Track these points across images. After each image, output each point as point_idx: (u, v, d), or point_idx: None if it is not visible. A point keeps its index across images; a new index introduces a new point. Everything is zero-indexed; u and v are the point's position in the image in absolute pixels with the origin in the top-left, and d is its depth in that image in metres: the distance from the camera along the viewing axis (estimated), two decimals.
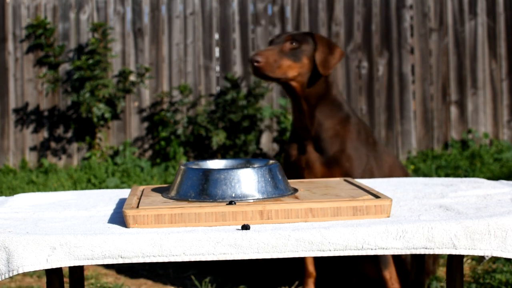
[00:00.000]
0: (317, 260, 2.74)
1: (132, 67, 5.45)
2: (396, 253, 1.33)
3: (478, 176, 4.52)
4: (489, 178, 4.39)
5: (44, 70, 5.43)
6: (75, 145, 5.43)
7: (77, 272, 1.82)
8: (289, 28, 5.51)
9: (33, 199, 1.79)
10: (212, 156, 5.36)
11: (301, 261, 2.80)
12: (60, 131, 5.44)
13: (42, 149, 5.43)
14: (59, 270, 1.44)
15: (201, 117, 5.25)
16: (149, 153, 5.44)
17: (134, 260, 1.30)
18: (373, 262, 2.65)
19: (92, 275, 3.12)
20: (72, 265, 1.30)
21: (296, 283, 2.93)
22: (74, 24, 5.47)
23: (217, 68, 5.51)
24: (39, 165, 5.39)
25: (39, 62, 5.45)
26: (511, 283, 2.76)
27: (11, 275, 1.29)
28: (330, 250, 1.31)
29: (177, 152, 5.21)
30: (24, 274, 3.16)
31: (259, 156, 5.37)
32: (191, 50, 5.48)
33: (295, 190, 1.59)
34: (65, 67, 5.44)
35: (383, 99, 5.51)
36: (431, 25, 5.56)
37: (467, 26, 5.57)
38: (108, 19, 5.47)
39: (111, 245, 1.29)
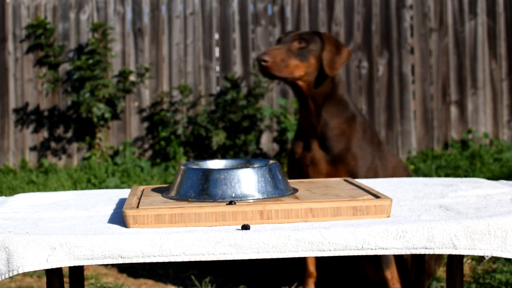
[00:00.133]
0: (317, 260, 2.74)
1: (132, 67, 5.45)
2: (396, 253, 1.33)
3: (478, 176, 4.52)
4: (489, 178, 4.39)
5: (44, 70, 5.43)
6: (75, 145, 5.43)
7: (77, 272, 1.83)
8: (289, 28, 5.51)
9: (33, 199, 1.79)
10: (212, 156, 5.36)
11: (301, 261, 2.80)
12: (60, 131, 5.44)
13: (42, 149, 5.43)
14: (59, 270, 1.44)
15: (201, 117, 5.25)
16: (149, 153, 5.44)
17: (134, 260, 1.30)
18: (373, 263, 2.65)
19: (92, 275, 3.12)
20: (72, 265, 1.30)
21: (296, 283, 2.92)
22: (74, 24, 5.47)
23: (217, 68, 5.51)
24: (39, 165, 5.39)
25: (39, 62, 5.45)
26: (511, 283, 2.76)
27: (11, 275, 1.29)
28: (330, 250, 1.31)
29: (177, 152, 5.21)
30: (24, 274, 3.16)
31: (259, 156, 5.37)
32: (191, 50, 5.48)
33: (295, 190, 1.59)
34: (65, 67, 5.44)
35: (383, 99, 5.51)
36: (431, 25, 5.56)
37: (467, 26, 5.57)
38: (108, 19, 5.47)
39: (111, 245, 1.29)
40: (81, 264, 1.31)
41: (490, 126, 5.56)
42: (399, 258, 2.62)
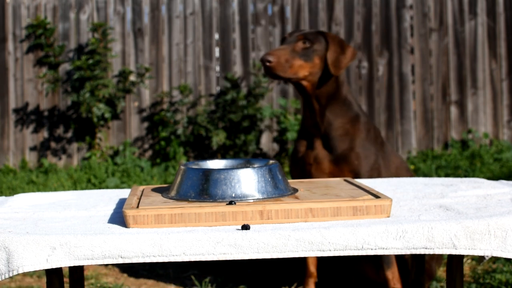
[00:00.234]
0: (317, 260, 2.74)
1: (132, 67, 5.45)
2: (396, 253, 1.33)
3: (478, 176, 4.52)
4: (489, 178, 4.39)
5: (44, 70, 5.43)
6: (75, 145, 5.43)
7: (77, 272, 1.82)
8: (289, 28, 5.51)
9: (33, 199, 1.79)
10: (212, 156, 5.36)
11: (301, 261, 2.80)
12: (60, 131, 5.44)
13: (42, 149, 5.43)
14: (59, 270, 1.44)
15: (201, 117, 5.25)
16: (149, 153, 5.44)
17: (134, 260, 1.30)
18: (373, 263, 2.65)
19: (92, 275, 3.12)
20: (72, 265, 1.30)
21: (296, 283, 2.92)
22: (74, 24, 5.47)
23: (217, 68, 5.51)
24: (39, 165, 5.39)
25: (39, 62, 5.45)
26: (511, 283, 2.76)
27: (11, 275, 1.29)
28: (330, 250, 1.31)
29: (177, 152, 5.21)
30: (24, 274, 3.16)
31: (259, 156, 5.37)
32: (191, 50, 5.48)
33: (295, 190, 1.59)
34: (65, 67, 5.44)
35: (383, 99, 5.51)
36: (431, 25, 5.56)
37: (467, 26, 5.57)
38: (108, 19, 5.47)
39: (111, 245, 1.29)
40: (81, 264, 1.31)
41: (490, 126, 5.56)
42: (400, 258, 2.62)
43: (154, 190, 1.67)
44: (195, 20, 5.50)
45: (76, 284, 1.82)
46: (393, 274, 2.53)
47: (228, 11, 5.51)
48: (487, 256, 1.58)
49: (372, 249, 1.32)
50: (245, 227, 1.34)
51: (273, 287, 2.94)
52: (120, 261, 1.30)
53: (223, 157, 5.28)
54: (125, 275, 3.19)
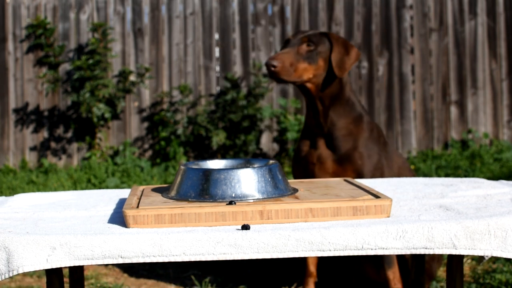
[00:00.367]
0: (317, 260, 2.74)
1: (132, 67, 5.45)
2: (396, 253, 1.33)
3: (478, 176, 4.52)
4: (489, 178, 4.39)
5: (44, 70, 5.43)
6: (75, 145, 5.43)
7: (77, 272, 1.82)
8: (289, 28, 5.51)
9: (33, 199, 1.79)
10: (212, 156, 5.36)
11: (301, 261, 2.80)
12: (60, 131, 5.44)
13: (42, 149, 5.43)
14: (59, 270, 1.44)
15: (201, 117, 5.25)
16: (149, 153, 5.44)
17: (134, 260, 1.30)
18: (373, 263, 2.65)
19: (92, 275, 3.12)
20: (72, 265, 1.30)
21: (296, 283, 2.92)
22: (74, 24, 5.47)
23: (217, 68, 5.51)
24: (39, 165, 5.39)
25: (39, 62, 5.45)
26: (511, 283, 2.76)
27: (11, 275, 1.29)
28: (330, 250, 1.31)
29: (177, 152, 5.21)
30: (24, 274, 3.16)
31: (259, 156, 5.38)
32: (191, 50, 5.48)
33: (295, 190, 1.59)
34: (65, 67, 5.44)
35: (383, 99, 5.51)
36: (431, 25, 5.56)
37: (467, 26, 5.57)
38: (108, 19, 5.47)
39: (111, 245, 1.29)
40: (81, 264, 1.31)
41: (490, 126, 5.56)
42: (400, 258, 2.62)
43: (154, 190, 1.67)
44: (195, 20, 5.50)
45: (76, 284, 1.82)
46: (394, 274, 2.53)
47: (228, 11, 5.51)
48: (487, 256, 1.58)
49: (372, 249, 1.32)
50: (245, 227, 1.34)
51: (273, 287, 2.94)
52: (120, 261, 1.30)
53: (223, 157, 5.28)
54: (125, 275, 3.19)
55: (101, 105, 5.18)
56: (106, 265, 3.29)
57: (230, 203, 1.42)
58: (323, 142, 2.64)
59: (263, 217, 1.40)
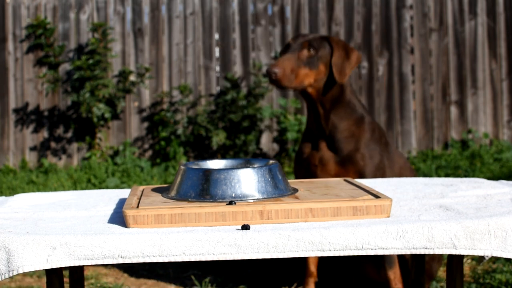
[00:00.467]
0: (318, 260, 2.74)
1: (132, 67, 5.45)
2: (396, 253, 1.33)
3: (478, 176, 4.52)
4: (489, 178, 4.39)
5: (44, 70, 5.43)
6: (75, 145, 5.43)
7: (77, 272, 1.83)
8: (289, 28, 5.51)
9: (33, 199, 1.79)
10: (212, 156, 5.36)
11: (301, 261, 2.80)
12: (60, 131, 5.44)
13: (42, 149, 5.43)
14: (59, 270, 1.44)
15: (201, 117, 5.25)
16: (149, 153, 5.44)
17: (134, 260, 1.30)
18: (373, 263, 2.66)
19: (92, 275, 3.12)
20: (72, 265, 1.30)
21: (296, 283, 2.92)
22: (74, 24, 5.47)
23: (217, 68, 5.51)
24: (39, 165, 5.39)
25: (39, 62, 5.45)
26: (511, 283, 2.76)
27: (11, 275, 1.29)
28: (330, 250, 1.31)
29: (177, 152, 5.21)
30: (24, 274, 3.16)
31: (259, 156, 5.38)
32: (191, 50, 5.48)
33: (295, 190, 1.59)
34: (65, 67, 5.44)
35: (383, 99, 5.51)
36: (431, 25, 5.56)
37: (467, 26, 5.57)
38: (108, 19, 5.47)
39: (111, 245, 1.29)
40: (81, 264, 1.31)
41: (490, 126, 5.56)
42: (400, 258, 2.62)
43: (154, 190, 1.67)
44: (195, 20, 5.50)
45: (76, 284, 1.82)
46: (395, 274, 2.53)
47: (228, 11, 5.51)
48: (487, 256, 1.58)
49: (372, 249, 1.32)
50: (245, 227, 1.34)
51: (273, 287, 2.94)
52: (120, 261, 1.30)
53: (223, 157, 5.28)
54: (125, 275, 3.19)
55: (101, 105, 5.18)
56: (106, 265, 3.29)
57: (230, 203, 1.42)
58: (325, 144, 2.65)
59: (263, 217, 1.40)
